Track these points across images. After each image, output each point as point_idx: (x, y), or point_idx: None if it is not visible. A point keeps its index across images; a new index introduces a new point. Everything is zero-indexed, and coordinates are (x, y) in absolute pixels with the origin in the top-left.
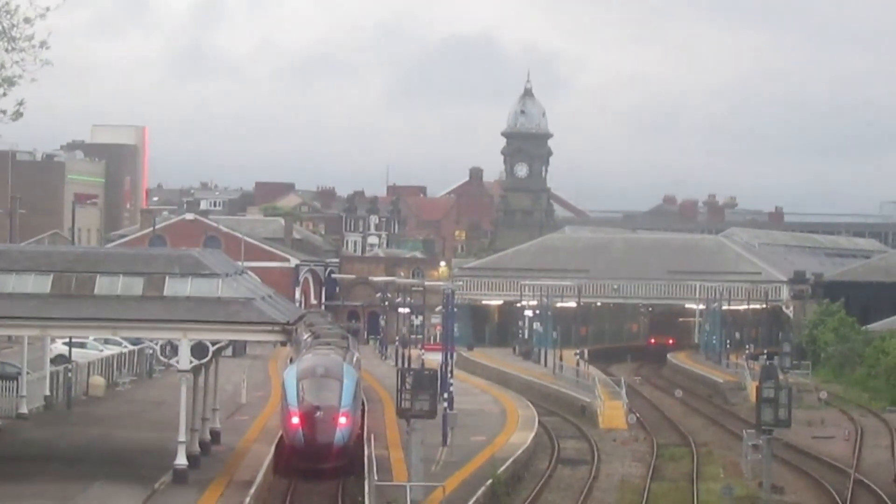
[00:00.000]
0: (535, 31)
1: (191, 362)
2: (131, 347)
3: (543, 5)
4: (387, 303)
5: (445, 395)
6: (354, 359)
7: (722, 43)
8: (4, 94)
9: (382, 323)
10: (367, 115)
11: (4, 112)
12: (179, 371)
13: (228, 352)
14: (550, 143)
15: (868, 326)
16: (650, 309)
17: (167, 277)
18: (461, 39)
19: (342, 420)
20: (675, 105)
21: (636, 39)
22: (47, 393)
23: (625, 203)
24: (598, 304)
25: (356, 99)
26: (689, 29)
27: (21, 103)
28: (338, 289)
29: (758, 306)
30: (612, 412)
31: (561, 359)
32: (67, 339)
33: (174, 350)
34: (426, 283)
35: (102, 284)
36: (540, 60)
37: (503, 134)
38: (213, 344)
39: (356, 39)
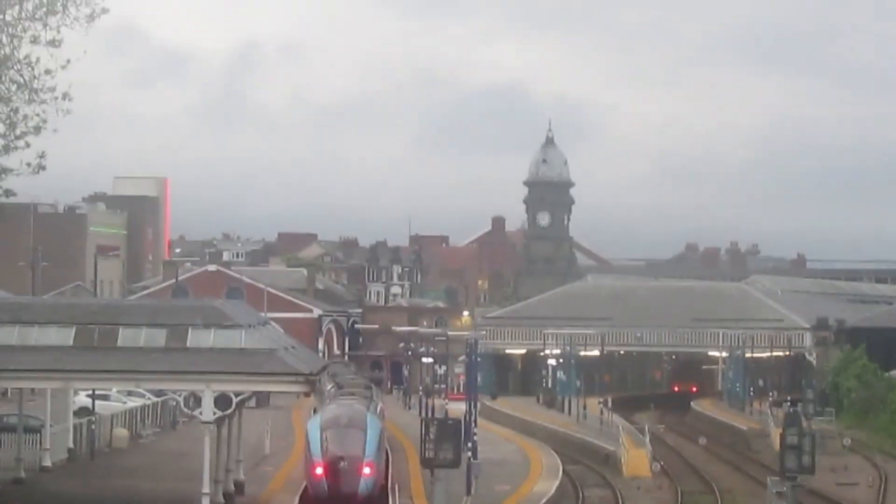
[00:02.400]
0: (565, 81)
1: (214, 413)
2: (155, 399)
3: (574, 57)
4: (410, 352)
5: (469, 445)
6: (378, 408)
7: (749, 91)
8: (28, 146)
9: (406, 372)
10: (392, 165)
11: (29, 164)
12: (203, 422)
13: (252, 402)
14: (573, 191)
15: (891, 373)
16: (673, 356)
17: (190, 329)
18: (492, 90)
19: (366, 470)
20: (701, 152)
21: (665, 88)
22: (70, 445)
23: (647, 251)
24: (622, 351)
25: (383, 149)
26: (717, 77)
27: (42, 156)
28: (361, 339)
29: (781, 353)
30: (636, 460)
31: (585, 407)
32: (90, 392)
33: (198, 401)
34: (449, 332)
35: (125, 336)
36: (569, 111)
37: (525, 183)
38: (237, 395)
39: (387, 90)
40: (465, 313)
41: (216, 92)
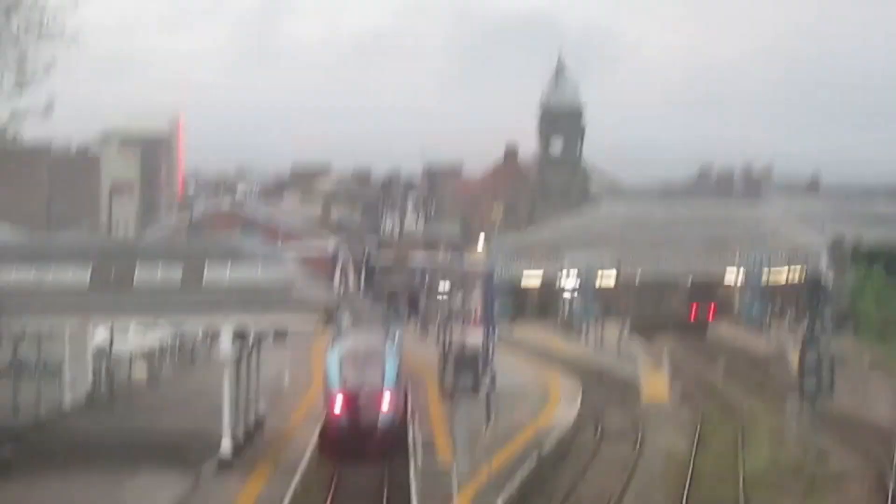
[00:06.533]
0: (588, 8)
1: (233, 350)
2: (173, 337)
3: None
4: (426, 283)
5: (488, 373)
6: (396, 339)
7: (773, 10)
8: (38, 84)
9: (422, 303)
10: (411, 95)
11: (36, 109)
12: (222, 358)
13: (270, 338)
14: (586, 116)
15: None
16: (690, 280)
17: (206, 266)
18: (519, 18)
19: (386, 399)
20: (719, 74)
21: (690, 12)
22: (89, 385)
23: (662, 172)
24: (638, 276)
25: (401, 80)
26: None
27: (51, 98)
28: (377, 271)
29: (797, 275)
30: (656, 385)
31: (602, 332)
32: (108, 329)
33: (215, 338)
34: (465, 262)
35: (142, 274)
36: (589, 37)
37: (538, 109)
38: (255, 331)
39: (415, 20)
40: (480, 242)
41: (243, 29)
